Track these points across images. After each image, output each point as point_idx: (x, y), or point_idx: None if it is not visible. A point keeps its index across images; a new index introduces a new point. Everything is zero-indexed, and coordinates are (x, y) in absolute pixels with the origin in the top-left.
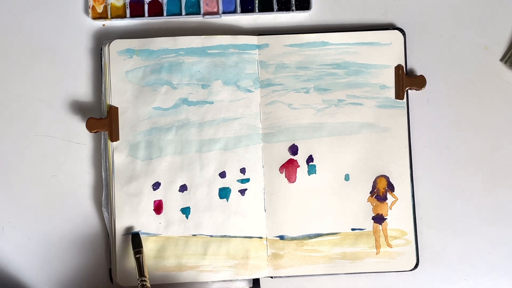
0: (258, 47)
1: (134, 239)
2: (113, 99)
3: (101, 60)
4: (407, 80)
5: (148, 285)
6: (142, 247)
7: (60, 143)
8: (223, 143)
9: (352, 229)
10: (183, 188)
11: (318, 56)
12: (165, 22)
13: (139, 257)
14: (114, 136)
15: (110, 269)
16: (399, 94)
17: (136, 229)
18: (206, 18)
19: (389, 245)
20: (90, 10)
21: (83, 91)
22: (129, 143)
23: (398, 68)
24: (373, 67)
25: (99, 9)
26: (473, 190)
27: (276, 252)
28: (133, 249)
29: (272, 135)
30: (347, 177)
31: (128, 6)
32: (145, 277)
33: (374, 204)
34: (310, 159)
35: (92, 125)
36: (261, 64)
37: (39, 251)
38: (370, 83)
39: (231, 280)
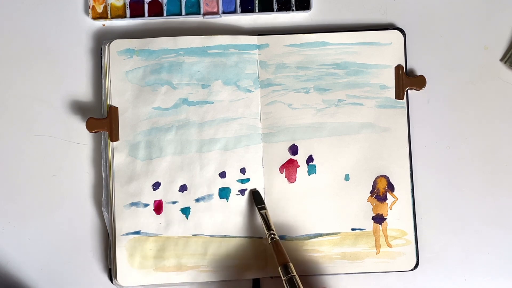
0: (258, 47)
1: (255, 196)
2: (113, 99)
3: (101, 60)
4: (407, 80)
5: (277, 237)
6: (264, 203)
7: (60, 143)
8: (223, 143)
9: (352, 229)
10: (183, 188)
11: (318, 56)
12: (165, 22)
13: (264, 212)
14: (114, 136)
15: (110, 269)
16: (399, 94)
17: (136, 230)
18: (206, 18)
19: (389, 245)
20: (90, 10)
21: (83, 91)
22: (129, 143)
23: (398, 68)
24: (373, 67)
25: (99, 9)
26: (473, 190)
27: None
28: (257, 205)
29: (272, 135)
30: (347, 177)
31: (128, 6)
32: (273, 230)
33: (374, 204)
34: (310, 159)
35: (92, 125)
36: (261, 64)
37: (39, 251)
38: (370, 83)
39: (231, 280)
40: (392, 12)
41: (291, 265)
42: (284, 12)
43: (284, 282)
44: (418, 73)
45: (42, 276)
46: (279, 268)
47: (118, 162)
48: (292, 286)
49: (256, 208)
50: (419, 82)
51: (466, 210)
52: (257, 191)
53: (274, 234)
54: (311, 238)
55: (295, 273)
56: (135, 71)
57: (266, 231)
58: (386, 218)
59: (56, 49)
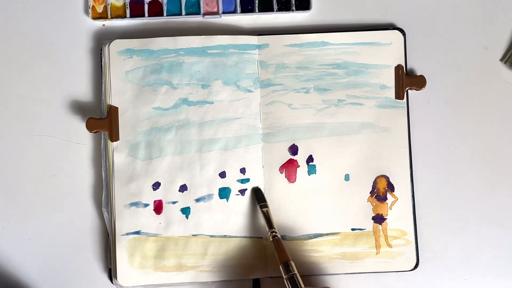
0: (258, 47)
1: (257, 194)
2: (113, 99)
3: (101, 60)
4: (407, 80)
5: (279, 235)
6: (266, 201)
7: (60, 143)
8: (223, 143)
9: (352, 229)
10: (183, 188)
11: (318, 56)
12: (165, 22)
13: (266, 210)
14: (114, 136)
15: (110, 269)
16: (399, 94)
17: (136, 230)
18: (206, 18)
19: (389, 245)
20: (90, 10)
21: (83, 91)
22: (129, 143)
23: (398, 68)
24: (373, 67)
25: (99, 9)
26: (473, 190)
27: None
28: (258, 203)
29: (272, 135)
30: (347, 177)
31: (128, 6)
32: (275, 228)
33: (374, 204)
34: (310, 159)
35: (92, 125)
36: (261, 64)
37: (39, 251)
38: (370, 83)
39: (231, 280)
40: (392, 12)
41: (292, 263)
42: (284, 12)
43: (285, 281)
44: (418, 73)
45: (42, 276)
46: (280, 266)
47: (118, 162)
48: (293, 285)
49: (258, 205)
50: (419, 82)
51: (466, 210)
52: (259, 188)
53: (276, 232)
54: (311, 238)
55: (296, 272)
56: (135, 71)
57: (267, 229)
58: (386, 218)
59: (56, 49)
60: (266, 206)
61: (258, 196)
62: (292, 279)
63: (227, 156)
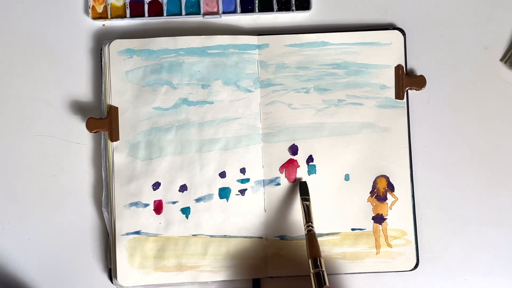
0: (258, 47)
1: (301, 187)
2: (113, 99)
3: (101, 60)
4: (407, 80)
5: (314, 230)
6: (309, 195)
7: (60, 143)
8: (223, 143)
9: (352, 229)
10: (183, 188)
11: (318, 56)
12: (165, 22)
13: (307, 204)
14: (114, 136)
15: (110, 269)
16: (399, 94)
17: (136, 230)
18: (206, 18)
19: (389, 245)
20: (90, 10)
21: (83, 91)
22: (129, 143)
23: (398, 68)
24: (373, 67)
25: (99, 9)
26: (473, 190)
27: (276, 252)
28: (301, 195)
29: (272, 135)
30: (347, 177)
31: (128, 6)
32: (312, 222)
33: (374, 204)
34: (310, 159)
35: (92, 125)
36: (261, 64)
37: (39, 251)
38: (370, 83)
39: (231, 280)
40: (392, 12)
41: (322, 260)
42: (284, 12)
43: (311, 275)
44: (418, 73)
45: (42, 276)
46: (309, 260)
47: (118, 162)
48: (318, 280)
49: (300, 198)
50: (419, 82)
51: (466, 210)
52: (305, 182)
53: (312, 227)
54: None
55: (324, 269)
56: (135, 71)
57: (304, 222)
58: (386, 218)
59: (56, 49)
60: (308, 200)
61: (302, 189)
62: (318, 275)
63: (227, 156)
